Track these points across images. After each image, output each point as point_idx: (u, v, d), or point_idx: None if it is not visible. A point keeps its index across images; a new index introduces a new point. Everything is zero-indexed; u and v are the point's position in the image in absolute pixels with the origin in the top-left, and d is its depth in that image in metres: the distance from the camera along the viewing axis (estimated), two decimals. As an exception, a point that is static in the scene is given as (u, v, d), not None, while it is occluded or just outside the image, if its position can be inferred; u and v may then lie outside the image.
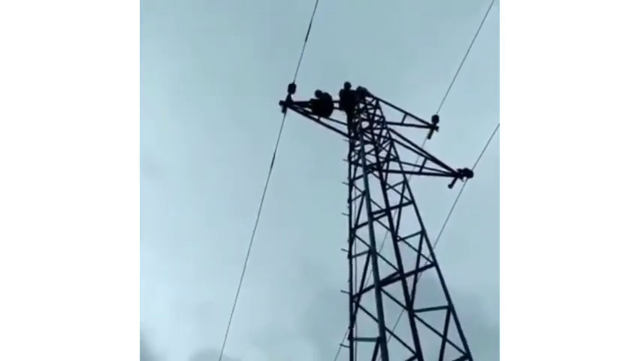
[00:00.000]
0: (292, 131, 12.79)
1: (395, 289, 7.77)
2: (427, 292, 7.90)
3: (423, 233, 8.55)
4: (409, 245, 8.57)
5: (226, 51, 28.82)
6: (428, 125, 12.76)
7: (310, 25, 11.21)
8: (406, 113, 12.63)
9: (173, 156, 29.13)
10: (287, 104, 12.48)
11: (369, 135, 11.46)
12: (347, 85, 13.20)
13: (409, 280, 8.05)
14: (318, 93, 12.87)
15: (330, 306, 8.16)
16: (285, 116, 12.33)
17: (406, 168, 10.52)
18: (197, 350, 23.78)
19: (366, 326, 6.85)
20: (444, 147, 12.61)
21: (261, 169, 11.96)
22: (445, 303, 7.22)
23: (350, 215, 9.49)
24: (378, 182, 10.13)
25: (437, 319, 7.15)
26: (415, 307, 7.68)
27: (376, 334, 6.54)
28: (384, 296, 7.20)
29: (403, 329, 7.28)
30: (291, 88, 12.49)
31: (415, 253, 8.33)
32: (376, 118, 12.19)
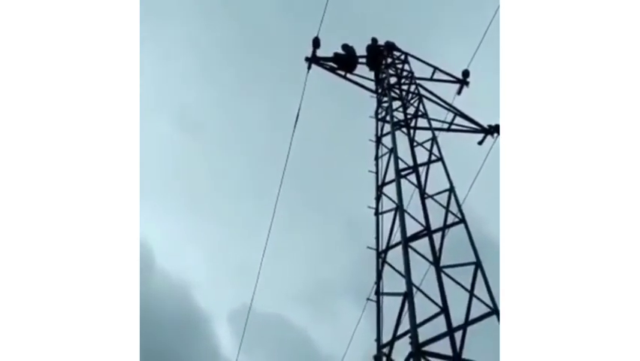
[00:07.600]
0: (320, 88, 12.55)
1: (424, 247, 7.78)
2: (457, 248, 7.88)
3: (451, 190, 8.46)
4: (437, 202, 8.50)
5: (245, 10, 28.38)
6: (458, 80, 12.38)
7: None
8: (436, 68, 12.29)
9: (209, 114, 29.33)
10: (312, 60, 12.22)
11: (397, 91, 11.22)
12: (374, 40, 12.82)
13: (437, 237, 8.03)
14: (345, 47, 12.48)
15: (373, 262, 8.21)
16: (308, 72, 12.11)
17: (434, 124, 10.34)
18: (238, 305, 24.47)
19: (400, 283, 6.90)
20: (474, 103, 12.25)
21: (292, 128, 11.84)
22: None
23: (377, 172, 9.43)
24: (405, 139, 9.98)
25: (467, 275, 7.15)
26: (444, 263, 7.68)
27: (404, 290, 6.60)
28: (412, 253, 7.23)
29: (433, 286, 7.33)
30: (316, 42, 12.06)
31: (443, 210, 8.27)
32: (404, 73, 11.90)
